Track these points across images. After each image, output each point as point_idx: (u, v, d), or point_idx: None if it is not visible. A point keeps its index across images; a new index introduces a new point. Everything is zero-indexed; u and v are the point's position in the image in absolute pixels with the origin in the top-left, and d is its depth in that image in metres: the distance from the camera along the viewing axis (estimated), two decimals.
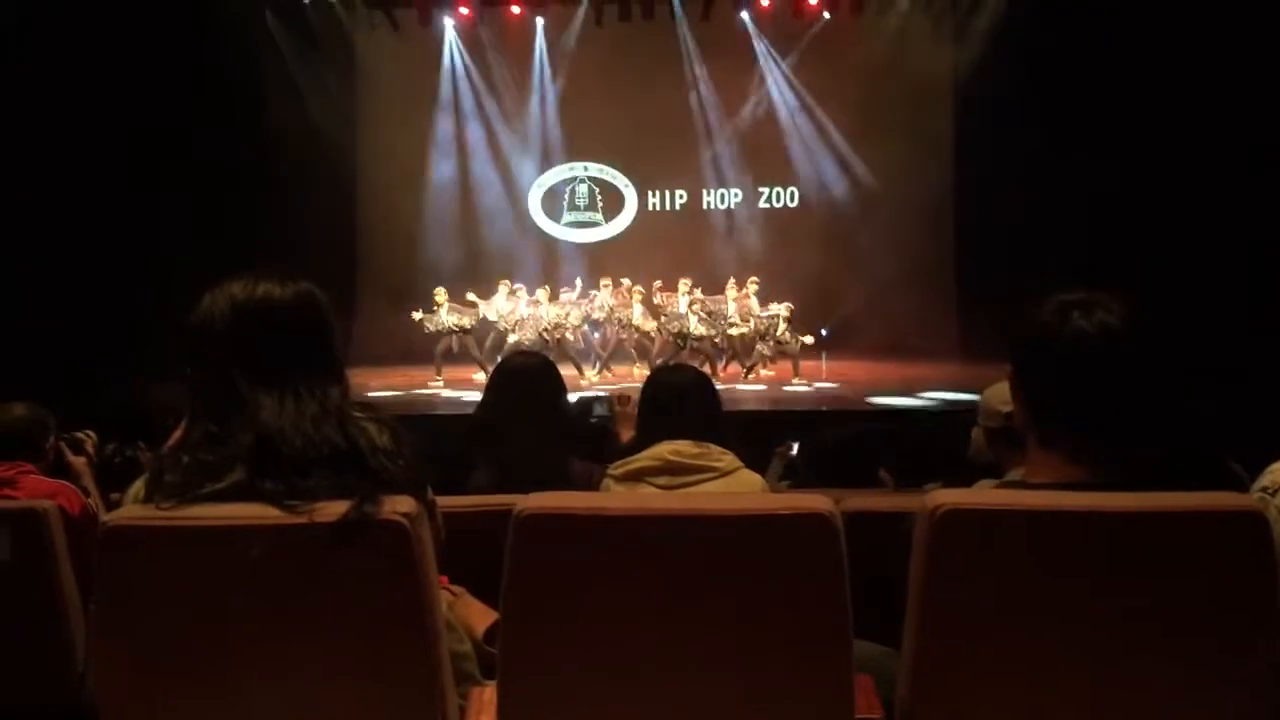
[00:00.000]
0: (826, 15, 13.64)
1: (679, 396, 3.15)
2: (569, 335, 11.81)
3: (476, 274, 12.90)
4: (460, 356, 11.67)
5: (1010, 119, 11.61)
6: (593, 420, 4.28)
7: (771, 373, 11.78)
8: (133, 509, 1.77)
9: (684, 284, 11.90)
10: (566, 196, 14.39)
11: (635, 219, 14.31)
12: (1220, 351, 8.72)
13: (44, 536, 3.13)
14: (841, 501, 1.82)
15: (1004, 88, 11.85)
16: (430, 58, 13.90)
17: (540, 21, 13.87)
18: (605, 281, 12.20)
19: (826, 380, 11.89)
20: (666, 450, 2.91)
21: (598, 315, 11.98)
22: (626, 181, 14.33)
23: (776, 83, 14.01)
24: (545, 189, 14.39)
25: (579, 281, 12.39)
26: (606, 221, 14.39)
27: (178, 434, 1.86)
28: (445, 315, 11.67)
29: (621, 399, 4.27)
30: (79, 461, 4.20)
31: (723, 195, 14.26)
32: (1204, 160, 10.12)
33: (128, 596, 1.73)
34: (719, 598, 1.72)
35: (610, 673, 1.76)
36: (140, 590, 1.72)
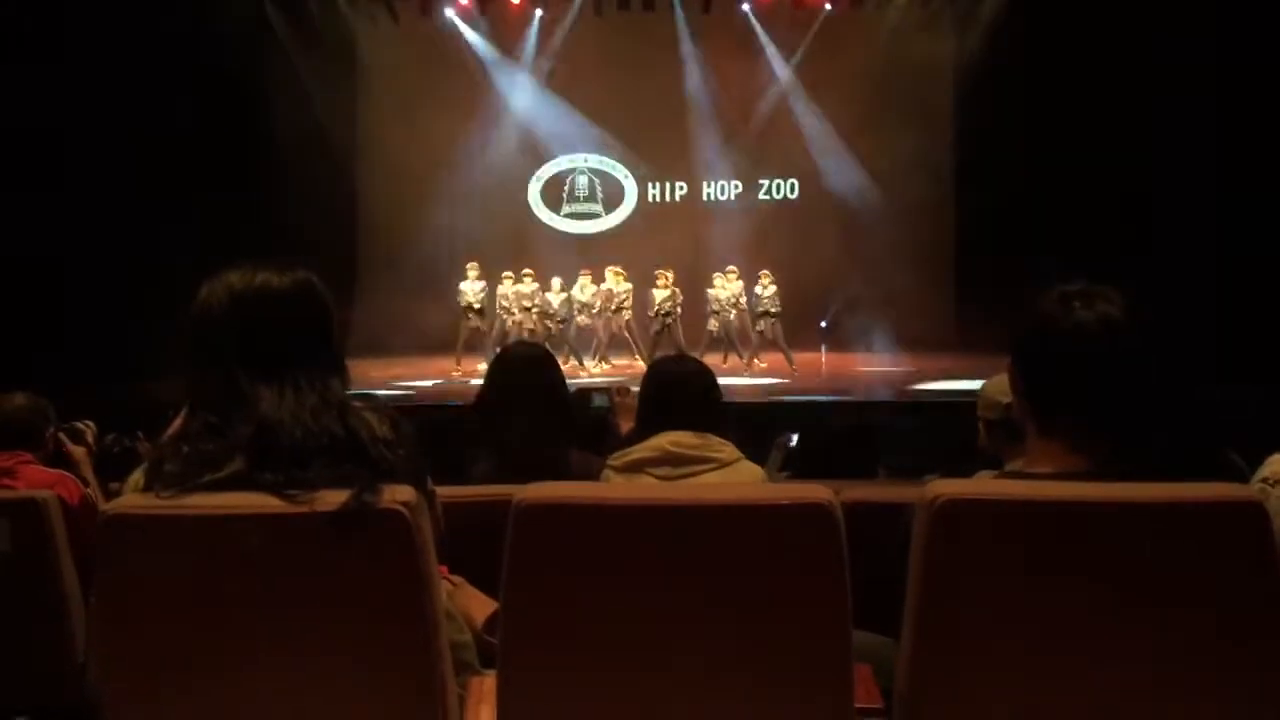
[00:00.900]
0: (828, 7, 13.62)
1: (680, 387, 3.15)
2: (572, 325, 11.84)
3: (476, 263, 12.90)
4: (470, 347, 11.68)
5: (1010, 109, 11.61)
6: (592, 411, 4.27)
7: (765, 364, 11.78)
8: (132, 498, 1.77)
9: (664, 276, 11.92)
10: (566, 187, 14.38)
11: (635, 210, 14.30)
12: (1222, 343, 8.73)
13: (43, 526, 3.14)
14: (841, 492, 1.81)
15: (1004, 78, 11.85)
16: (430, 49, 13.89)
17: (539, 12, 13.84)
18: (587, 274, 12.21)
19: (825, 372, 11.91)
20: (666, 441, 2.91)
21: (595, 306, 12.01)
22: (626, 173, 14.32)
23: (777, 75, 13.98)
24: (545, 180, 14.38)
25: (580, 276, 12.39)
26: (606, 213, 14.38)
27: (177, 424, 1.86)
28: (471, 286, 11.68)
29: (621, 390, 4.27)
30: (78, 451, 4.20)
31: (723, 187, 14.26)
32: (1207, 150, 10.12)
33: (128, 585, 1.72)
34: (719, 588, 1.72)
35: (610, 663, 1.76)
36: (140, 579, 1.72)
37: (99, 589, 1.79)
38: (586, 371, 11.55)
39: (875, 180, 13.61)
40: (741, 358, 11.87)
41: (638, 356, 11.79)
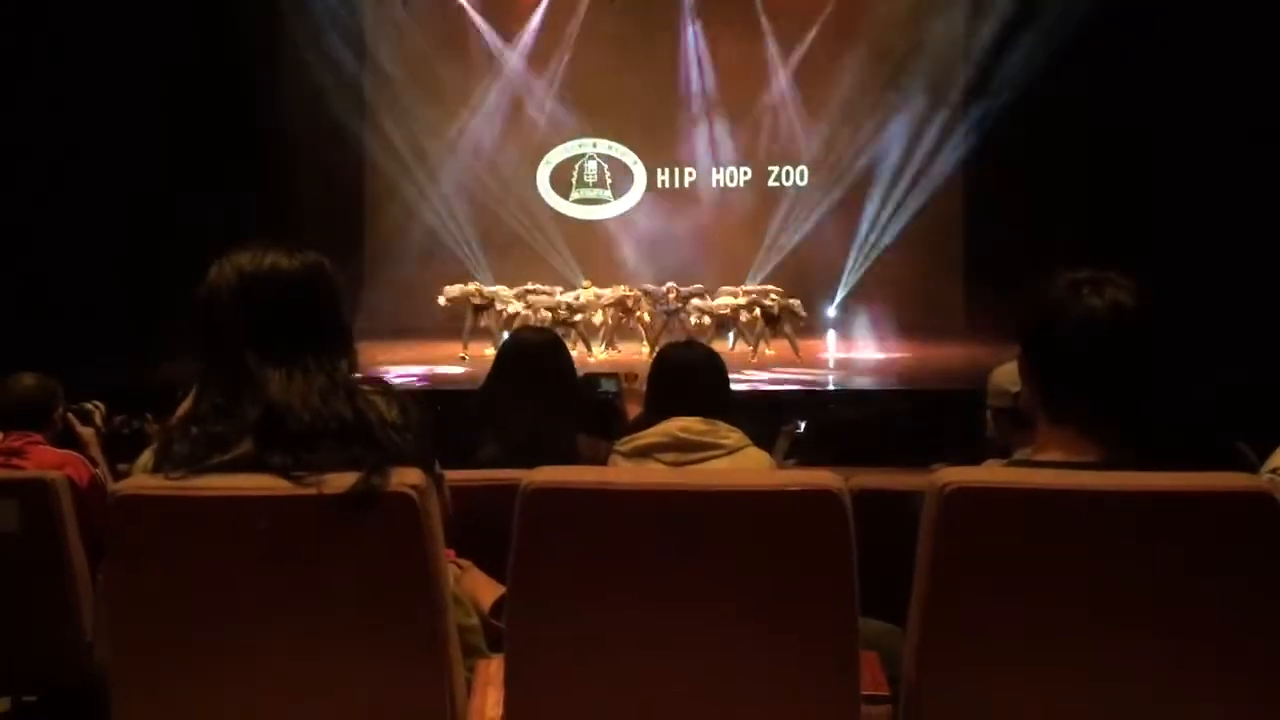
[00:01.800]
0: None
1: (688, 374, 3.15)
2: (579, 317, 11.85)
3: (485, 250, 12.91)
4: (475, 333, 11.68)
5: (1026, 93, 11.56)
6: (600, 396, 4.26)
7: (773, 352, 11.76)
8: (142, 479, 1.78)
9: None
10: (575, 173, 14.35)
11: (644, 196, 14.28)
12: (1232, 330, 8.70)
13: (52, 507, 3.15)
14: (850, 479, 1.81)
15: (1020, 62, 11.79)
16: (439, 33, 13.84)
17: None
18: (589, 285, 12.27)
19: (833, 361, 11.90)
20: (674, 427, 2.91)
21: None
22: (635, 159, 14.28)
23: (788, 61, 13.92)
24: (554, 165, 14.36)
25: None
26: (615, 198, 14.35)
27: (186, 405, 1.86)
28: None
29: (629, 375, 4.27)
30: (87, 432, 4.21)
31: (732, 173, 14.21)
32: (1221, 135, 10.07)
33: (136, 565, 1.73)
34: (726, 573, 1.72)
35: (616, 647, 1.76)
36: (149, 559, 1.72)
37: (107, 569, 1.80)
38: (594, 357, 11.54)
39: (886, 168, 13.53)
40: (750, 346, 11.84)
41: (645, 343, 11.78)
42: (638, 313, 11.87)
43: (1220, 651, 1.68)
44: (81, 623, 3.24)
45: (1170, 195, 10.33)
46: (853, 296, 13.46)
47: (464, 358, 11.28)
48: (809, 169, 13.99)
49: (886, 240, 13.36)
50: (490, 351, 10.86)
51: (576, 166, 14.36)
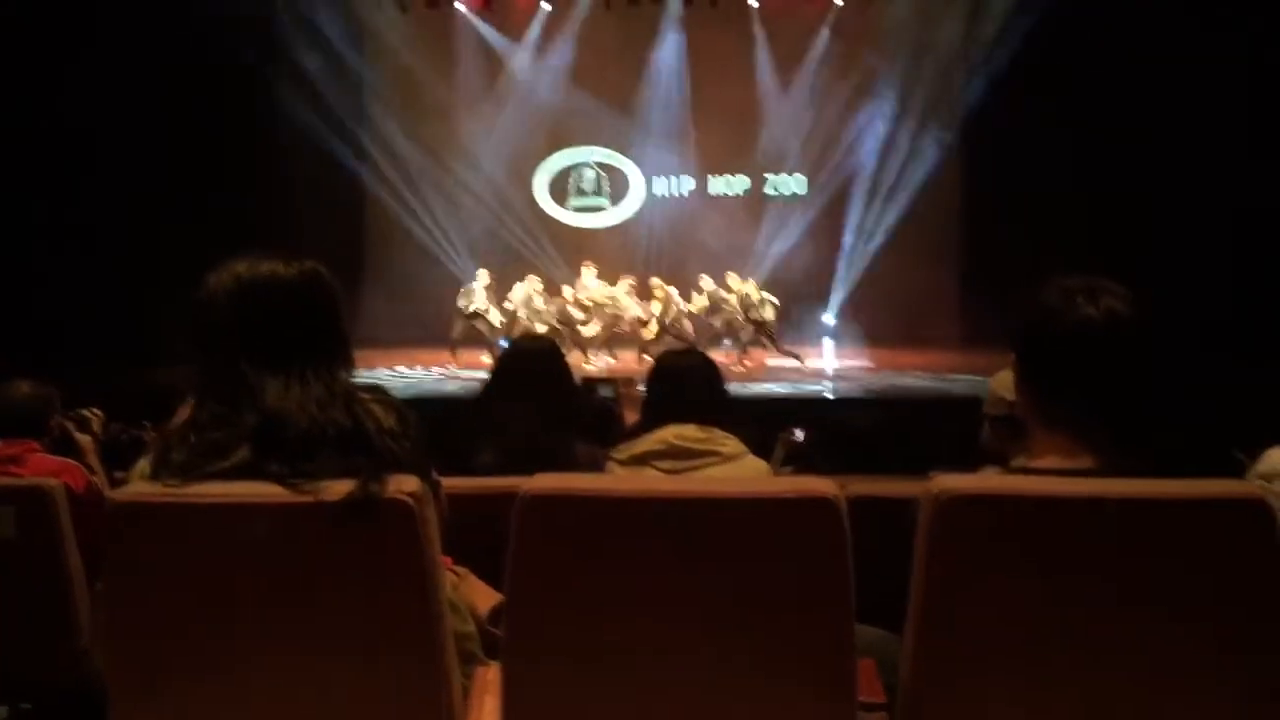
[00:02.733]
0: (839, 1, 13.58)
1: (685, 381, 3.15)
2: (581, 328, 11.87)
3: (482, 257, 12.91)
4: (469, 340, 11.69)
5: (1021, 99, 11.57)
6: (597, 403, 4.27)
7: (747, 366, 11.76)
8: (140, 486, 1.78)
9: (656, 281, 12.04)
10: (573, 181, 14.36)
11: (642, 205, 14.28)
12: (1226, 336, 8.71)
13: (49, 514, 3.15)
14: (846, 486, 1.82)
15: (1016, 71, 11.80)
16: (438, 40, 13.87)
17: (546, 5, 13.82)
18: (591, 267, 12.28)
19: (832, 367, 11.91)
20: (671, 434, 2.91)
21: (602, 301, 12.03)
22: (633, 167, 14.29)
23: (786, 69, 13.92)
24: (552, 173, 14.36)
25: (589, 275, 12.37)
26: (613, 206, 14.36)
27: (184, 413, 1.86)
28: (480, 297, 11.69)
29: (626, 383, 4.28)
30: (85, 439, 4.21)
31: (729, 181, 14.22)
32: (1218, 141, 10.08)
33: (134, 572, 1.73)
34: (723, 580, 1.72)
35: (613, 654, 1.76)
36: (147, 566, 1.72)
37: (106, 575, 1.79)
38: (591, 365, 11.54)
39: (883, 176, 13.53)
40: (745, 353, 11.86)
41: (645, 354, 11.79)
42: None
43: (1214, 657, 1.69)
44: (78, 630, 3.24)
45: (1170, 196, 10.34)
46: (850, 304, 13.47)
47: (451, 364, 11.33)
48: (807, 177, 14.00)
49: (885, 247, 13.36)
50: (486, 359, 10.89)
51: (574, 174, 14.36)
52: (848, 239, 13.58)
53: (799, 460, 4.40)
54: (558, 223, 14.28)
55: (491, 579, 2.14)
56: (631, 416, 3.77)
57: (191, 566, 1.71)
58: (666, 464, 2.88)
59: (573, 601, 1.75)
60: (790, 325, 12.14)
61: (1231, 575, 1.67)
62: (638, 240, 13.83)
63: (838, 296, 13.57)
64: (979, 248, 12.66)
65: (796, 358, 11.61)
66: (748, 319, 11.67)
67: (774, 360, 11.81)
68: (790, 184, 14.09)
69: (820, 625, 1.73)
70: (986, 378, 3.17)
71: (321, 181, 12.66)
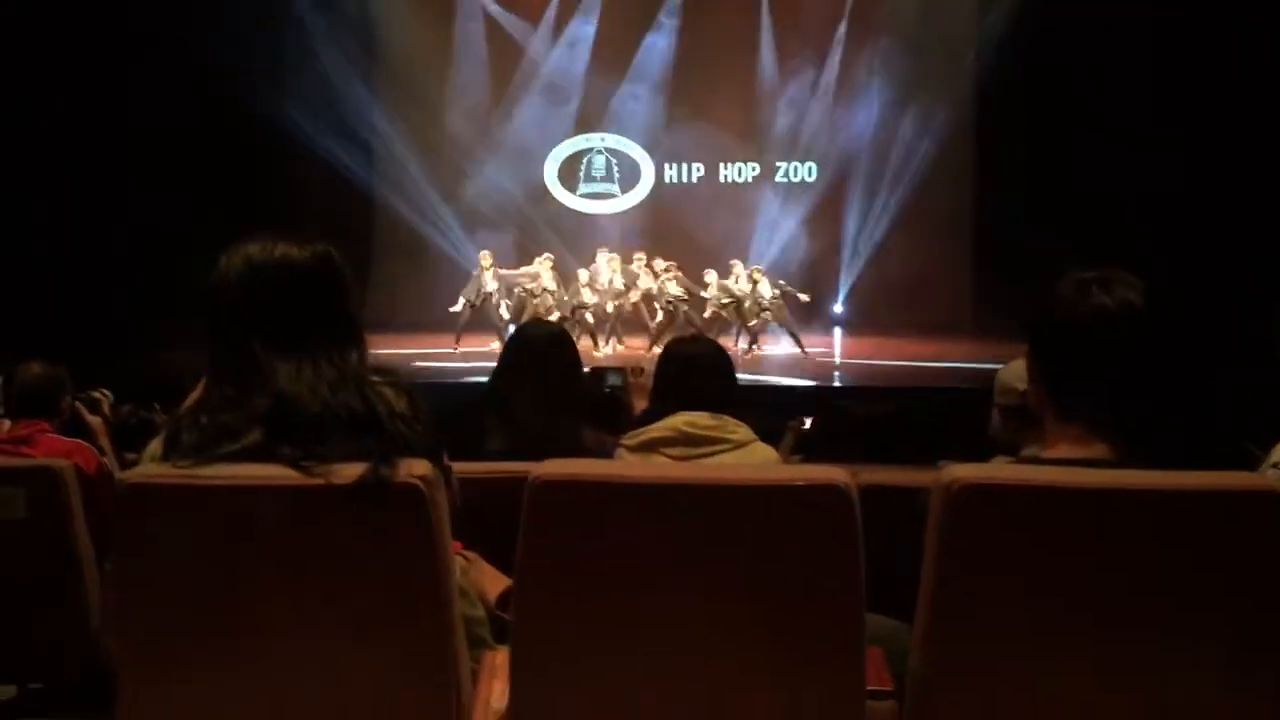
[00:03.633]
0: None
1: (694, 368, 3.15)
2: (589, 315, 11.86)
3: (491, 242, 12.90)
4: (475, 324, 11.69)
5: (1035, 95, 11.52)
6: (607, 390, 4.27)
7: (756, 353, 11.74)
8: (151, 467, 1.78)
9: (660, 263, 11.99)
10: (583, 167, 14.34)
11: (652, 191, 14.26)
12: (1244, 327, 8.66)
13: (60, 495, 3.16)
14: (858, 475, 1.81)
15: (1028, 67, 11.74)
16: (447, 23, 13.85)
17: None
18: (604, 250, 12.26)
19: (842, 357, 11.90)
20: (681, 421, 2.91)
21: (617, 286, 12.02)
22: (643, 154, 14.26)
23: (798, 56, 13.87)
24: (562, 159, 14.34)
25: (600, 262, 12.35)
26: (623, 193, 14.34)
27: (195, 395, 1.86)
28: (489, 280, 11.70)
29: (635, 370, 4.27)
30: (95, 421, 4.23)
31: (740, 169, 14.18)
32: (1232, 132, 10.03)
33: (145, 553, 1.73)
34: (732, 567, 1.72)
35: (621, 640, 1.76)
36: (157, 547, 1.73)
37: (116, 556, 1.80)
38: (601, 351, 11.55)
39: (894, 164, 13.48)
40: (751, 346, 11.84)
41: (652, 338, 11.78)
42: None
43: (1226, 648, 1.68)
44: (88, 611, 3.25)
45: (1185, 185, 10.30)
46: (860, 292, 13.45)
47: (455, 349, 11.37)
48: (817, 164, 13.95)
49: (895, 235, 13.32)
50: (496, 346, 10.89)
51: (584, 161, 14.34)
52: (857, 227, 13.55)
53: (809, 448, 4.39)
54: (568, 208, 14.27)
55: (501, 564, 2.15)
56: (640, 404, 3.77)
57: (202, 548, 1.72)
58: (676, 450, 2.87)
59: (582, 587, 1.75)
60: (799, 313, 12.11)
61: (1243, 566, 1.67)
62: (648, 227, 13.79)
63: (847, 284, 13.55)
64: (991, 236, 12.61)
65: (800, 345, 11.60)
66: (758, 308, 11.66)
67: (781, 349, 11.80)
68: (801, 171, 14.04)
69: (830, 613, 1.73)
70: (997, 367, 3.16)
71: (331, 171, 12.67)
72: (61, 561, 3.20)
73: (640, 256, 12.27)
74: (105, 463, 3.76)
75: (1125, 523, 1.68)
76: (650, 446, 2.89)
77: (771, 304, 11.56)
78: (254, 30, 11.43)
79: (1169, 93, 10.36)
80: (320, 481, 1.67)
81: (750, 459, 2.87)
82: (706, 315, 11.80)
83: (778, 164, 14.07)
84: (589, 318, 11.85)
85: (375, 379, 1.84)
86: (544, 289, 11.66)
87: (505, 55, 13.99)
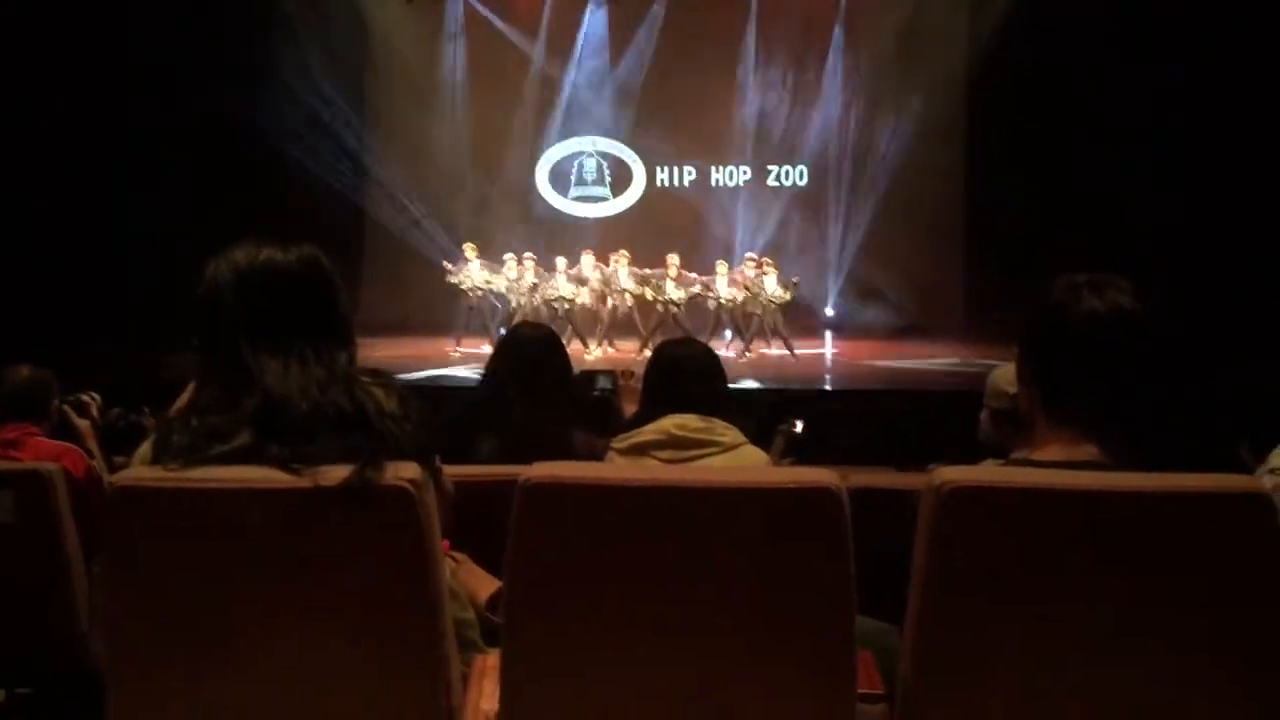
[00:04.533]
0: None
1: (684, 371, 3.14)
2: (575, 308, 11.86)
3: (483, 246, 12.90)
4: (471, 327, 11.70)
5: (1025, 95, 11.55)
6: (596, 394, 4.26)
7: (751, 356, 11.75)
8: (140, 470, 1.78)
9: (672, 259, 11.95)
10: (574, 171, 14.33)
11: (643, 195, 14.26)
12: (1234, 332, 8.70)
13: (48, 498, 3.15)
14: (848, 478, 1.81)
15: (1019, 65, 11.76)
16: (440, 28, 13.85)
17: None
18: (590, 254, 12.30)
19: (832, 359, 11.92)
20: (671, 424, 2.90)
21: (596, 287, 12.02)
22: (635, 157, 14.26)
23: (789, 59, 13.89)
24: (553, 162, 14.34)
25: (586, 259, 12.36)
26: (614, 196, 14.33)
27: (185, 398, 1.86)
28: (476, 271, 11.72)
29: (626, 373, 4.26)
30: (83, 424, 4.21)
31: (731, 173, 14.18)
32: (1228, 130, 10.06)
33: (133, 556, 1.73)
34: (722, 570, 1.72)
35: (612, 642, 1.76)
36: (146, 550, 1.72)
37: (105, 559, 1.79)
38: (590, 354, 11.54)
39: (886, 168, 13.49)
40: (746, 350, 11.85)
41: (642, 340, 11.79)
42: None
43: (1215, 649, 1.69)
44: (77, 614, 3.24)
45: (1178, 185, 10.32)
46: (850, 295, 13.46)
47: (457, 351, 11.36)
48: (809, 168, 13.97)
49: (887, 238, 13.34)
50: (487, 349, 10.88)
51: (575, 164, 14.34)
52: (848, 230, 13.56)
53: (799, 451, 4.39)
54: (559, 212, 14.26)
55: (491, 567, 2.14)
56: (630, 407, 3.76)
57: (191, 550, 1.71)
58: (666, 454, 2.87)
59: (572, 590, 1.74)
60: (790, 316, 12.12)
61: (1232, 568, 1.67)
62: (639, 230, 13.79)
63: (837, 287, 13.56)
64: (982, 239, 12.63)
65: (789, 348, 11.60)
66: (744, 310, 11.68)
67: (772, 351, 11.81)
68: (792, 175, 14.05)
69: (821, 616, 1.73)
70: (988, 369, 3.17)
71: (323, 174, 12.66)
72: (50, 565, 3.18)
73: (623, 254, 12.24)
74: (94, 466, 3.75)
75: (1114, 525, 1.68)
76: (640, 449, 2.89)
77: (773, 299, 11.57)
78: (248, 35, 11.41)
79: (1162, 91, 10.38)
80: (308, 483, 1.67)
81: (740, 462, 2.87)
82: (716, 305, 11.80)
83: (769, 167, 14.08)
84: (572, 310, 11.84)
85: (365, 379, 1.84)
86: (529, 288, 11.70)
87: (496, 61, 13.97)
